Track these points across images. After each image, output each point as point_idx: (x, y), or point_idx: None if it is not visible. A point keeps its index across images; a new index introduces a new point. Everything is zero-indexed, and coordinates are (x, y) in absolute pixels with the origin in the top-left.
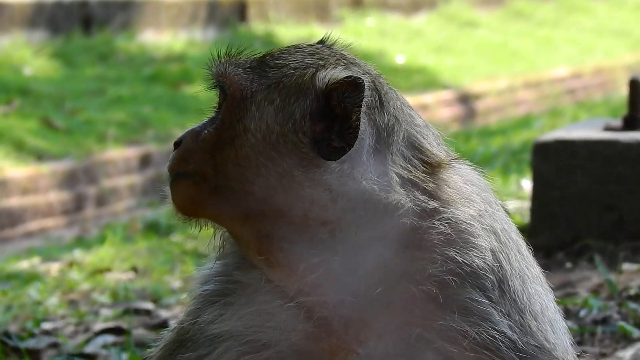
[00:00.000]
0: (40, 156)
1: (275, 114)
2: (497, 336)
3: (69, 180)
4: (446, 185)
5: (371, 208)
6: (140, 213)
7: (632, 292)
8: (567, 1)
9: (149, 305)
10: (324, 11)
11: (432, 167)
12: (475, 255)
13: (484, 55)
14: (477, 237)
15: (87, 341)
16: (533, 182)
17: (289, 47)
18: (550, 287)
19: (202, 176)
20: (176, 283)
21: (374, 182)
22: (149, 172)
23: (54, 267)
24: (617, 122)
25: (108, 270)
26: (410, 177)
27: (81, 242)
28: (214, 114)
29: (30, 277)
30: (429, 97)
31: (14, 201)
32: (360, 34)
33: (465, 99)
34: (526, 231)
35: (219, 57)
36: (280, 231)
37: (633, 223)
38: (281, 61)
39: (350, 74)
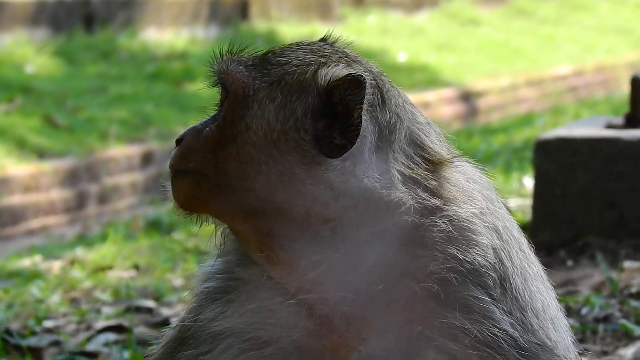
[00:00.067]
0: (42, 154)
1: (276, 111)
2: (498, 334)
3: (71, 178)
4: (448, 182)
5: (373, 206)
6: (142, 211)
7: (634, 289)
8: None
9: (150, 303)
10: (326, 9)
11: (434, 165)
12: (476, 253)
13: (486, 53)
14: (479, 234)
15: (89, 339)
16: (535, 179)
17: (291, 44)
18: (552, 284)
19: (202, 174)
20: (178, 281)
21: (376, 179)
22: (150, 170)
23: (56, 265)
24: (619, 119)
25: (110, 268)
26: (412, 174)
27: (83, 240)
28: (215, 112)
29: (32, 275)
30: (430, 95)
31: (16, 199)
32: (362, 32)
33: (467, 97)
34: (528, 229)
35: (221, 54)
36: (282, 228)
37: (634, 221)
38: (283, 59)
39: (352, 71)
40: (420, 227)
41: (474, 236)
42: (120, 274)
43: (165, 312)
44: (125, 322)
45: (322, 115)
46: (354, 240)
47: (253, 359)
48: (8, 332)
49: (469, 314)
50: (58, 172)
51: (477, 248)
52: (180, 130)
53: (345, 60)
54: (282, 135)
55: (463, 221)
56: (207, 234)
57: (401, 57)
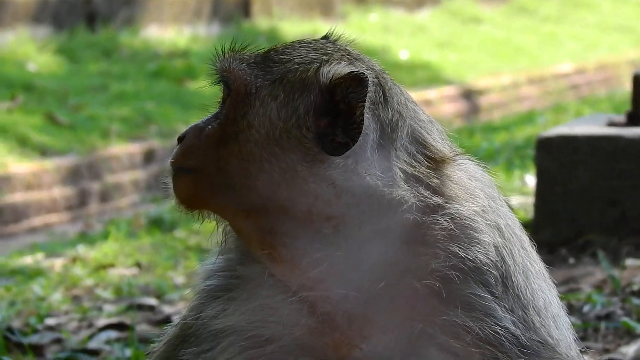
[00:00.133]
0: (44, 152)
1: (279, 109)
2: (500, 332)
3: (73, 175)
4: (450, 180)
5: (375, 203)
6: (144, 209)
7: (636, 287)
8: None
9: (152, 301)
10: (328, 7)
11: (436, 163)
12: (478, 251)
13: (488, 51)
14: (481, 232)
15: (91, 337)
16: (536, 177)
17: (293, 42)
18: (554, 282)
19: (204, 172)
20: (180, 279)
21: (378, 177)
22: (152, 168)
23: (58, 263)
24: (621, 117)
25: (112, 265)
26: (414, 172)
27: (85, 237)
28: (217, 110)
29: (33, 273)
30: (432, 93)
31: (17, 197)
32: (364, 30)
33: (469, 95)
34: (530, 227)
35: (223, 52)
36: (284, 226)
37: (636, 219)
38: (285, 56)
39: (354, 69)
40: (422, 225)
41: (475, 234)
42: (122, 272)
43: (167, 309)
44: (127, 319)
45: (325, 113)
46: (356, 238)
47: (255, 356)
48: (10, 329)
49: (470, 311)
50: (60, 170)
51: (479, 246)
52: (182, 128)
53: (348, 58)
54: (284, 133)
55: (465, 219)
56: (208, 232)
57: (403, 55)
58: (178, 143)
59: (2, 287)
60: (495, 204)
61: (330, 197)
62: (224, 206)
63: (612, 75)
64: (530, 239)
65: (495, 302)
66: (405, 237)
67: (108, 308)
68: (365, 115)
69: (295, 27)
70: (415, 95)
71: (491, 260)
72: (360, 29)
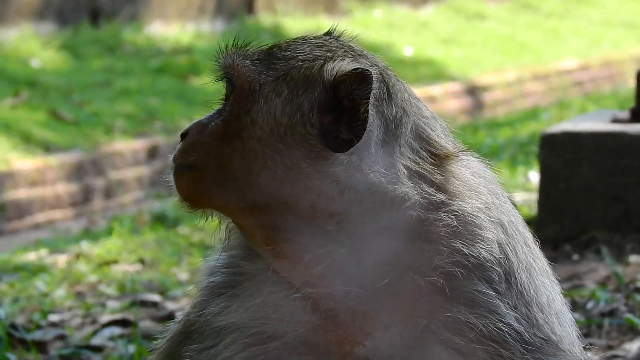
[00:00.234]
0: (47, 148)
1: (283, 106)
2: (503, 328)
3: (77, 172)
4: (454, 177)
5: (378, 200)
6: (148, 205)
7: (639, 284)
8: None
9: (155, 298)
10: (332, 3)
11: (440, 159)
12: (481, 248)
13: (492, 47)
14: (484, 229)
15: (94, 333)
16: (540, 174)
17: (296, 38)
18: (557, 279)
19: (205, 169)
20: (183, 275)
21: (382, 174)
22: (156, 164)
23: (61, 259)
24: (625, 114)
25: (115, 262)
26: (417, 169)
27: (88, 234)
28: (221, 106)
29: (37, 269)
30: (436, 89)
31: (21, 193)
32: (367, 26)
33: (473, 91)
34: (533, 223)
35: (226, 49)
36: (287, 222)
37: None
38: (289, 53)
39: (358, 66)
40: (425, 222)
41: (479, 231)
42: (125, 268)
43: (171, 306)
44: (130, 316)
45: (329, 109)
46: (360, 234)
47: (258, 353)
48: (13, 326)
49: (474, 308)
50: (64, 166)
51: (483, 242)
52: (186, 125)
53: (352, 55)
54: (288, 130)
55: (468, 216)
56: (212, 228)
57: (407, 52)
58: (181, 139)
59: (5, 283)
60: (498, 200)
61: (334, 194)
62: (226, 203)
63: (616, 71)
64: (533, 235)
65: (498, 298)
66: (409, 233)
67: (111, 304)
68: (370, 111)
69: (299, 24)
70: (419, 91)
71: (494, 257)
72: (364, 26)
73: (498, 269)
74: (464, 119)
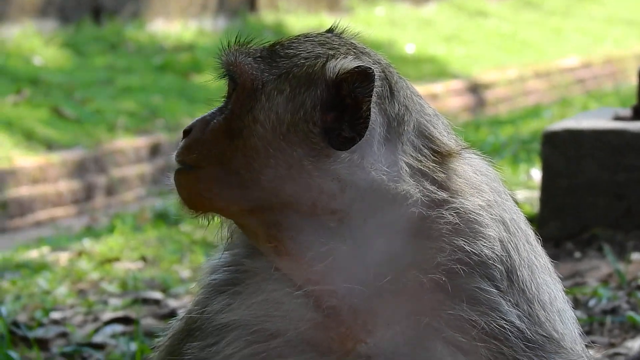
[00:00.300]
0: (50, 146)
1: (285, 103)
2: (505, 326)
3: (79, 169)
4: (456, 175)
5: (380, 198)
6: (150, 202)
7: None
8: None
9: (157, 295)
10: (334, 0)
11: (442, 157)
12: (483, 245)
13: (494, 44)
14: (486, 227)
15: (96, 331)
16: (542, 171)
17: (298, 36)
18: (559, 277)
19: (207, 168)
20: (185, 272)
21: (384, 172)
22: (158, 162)
23: (63, 257)
24: (627, 111)
25: (117, 259)
26: (420, 166)
27: (90, 231)
28: (223, 104)
29: (39, 267)
30: (438, 87)
31: (23, 190)
32: (370, 24)
33: (475, 89)
34: (535, 221)
35: (229, 46)
36: (289, 220)
37: None
38: (291, 51)
39: (360, 63)
40: (427, 219)
41: (481, 228)
42: (127, 266)
43: (173, 303)
44: (132, 313)
45: (331, 107)
46: (362, 232)
47: (259, 351)
48: (15, 323)
49: (476, 305)
50: (66, 163)
51: (484, 240)
52: (188, 122)
53: (354, 52)
54: (290, 128)
55: (470, 213)
56: (214, 226)
57: (409, 49)
58: (183, 136)
59: (7, 281)
60: (500, 198)
61: (336, 192)
62: (227, 204)
63: (618, 69)
64: (535, 233)
65: (500, 296)
66: (411, 231)
67: (113, 302)
68: (372, 109)
69: (301, 21)
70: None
71: (496, 255)
72: (366, 23)
73: (500, 267)
74: (466, 117)
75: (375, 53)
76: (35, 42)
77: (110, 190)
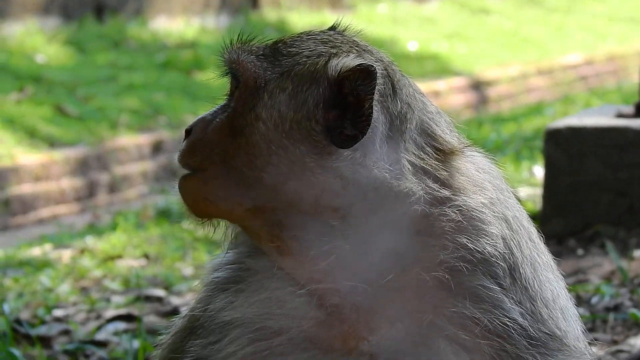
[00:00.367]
0: (52, 143)
1: (288, 101)
2: (508, 323)
3: (81, 167)
4: (458, 173)
5: (382, 195)
6: (152, 200)
7: None
8: None
9: (160, 292)
10: None
11: (445, 154)
12: (486, 243)
13: (497, 42)
14: (488, 224)
15: (99, 328)
16: (545, 169)
17: (301, 34)
18: (562, 274)
19: (211, 170)
20: (187, 270)
21: (386, 170)
22: (161, 159)
23: (66, 254)
24: (629, 109)
25: (120, 257)
26: (422, 164)
27: (93, 229)
28: (225, 102)
29: (42, 264)
30: (441, 84)
31: (26, 188)
32: (372, 21)
33: (478, 86)
34: (538, 218)
35: (231, 44)
36: (291, 219)
37: None
38: (294, 49)
39: (362, 61)
40: (430, 217)
41: (483, 226)
42: (130, 263)
43: (175, 301)
44: (135, 311)
45: (333, 105)
46: (364, 230)
47: (262, 348)
48: (18, 321)
49: (479, 303)
50: (68, 161)
51: (487, 238)
52: (191, 119)
53: (356, 50)
54: (293, 126)
55: (473, 211)
56: (219, 228)
57: (411, 46)
58: (185, 136)
59: (10, 278)
60: (503, 196)
61: (338, 189)
62: (231, 206)
63: (621, 66)
64: (538, 230)
65: (503, 293)
66: (413, 229)
67: (116, 299)
68: (374, 107)
69: (304, 19)
70: (424, 86)
71: (499, 252)
72: (369, 20)
73: (503, 264)
74: (468, 114)
75: (377, 51)
76: (38, 39)
77: (113, 188)
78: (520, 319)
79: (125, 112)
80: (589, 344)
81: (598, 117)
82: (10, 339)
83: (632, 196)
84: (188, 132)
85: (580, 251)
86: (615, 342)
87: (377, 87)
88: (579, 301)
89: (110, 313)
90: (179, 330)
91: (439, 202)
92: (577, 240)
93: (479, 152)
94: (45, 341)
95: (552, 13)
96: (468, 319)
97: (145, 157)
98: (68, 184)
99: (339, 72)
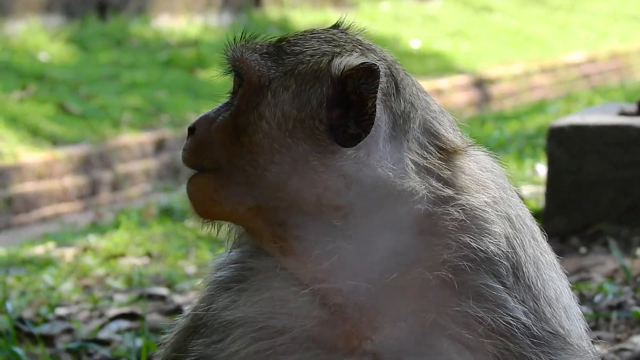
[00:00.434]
0: (55, 141)
1: (291, 100)
2: (512, 322)
3: (84, 165)
4: (461, 172)
5: (385, 195)
6: (155, 198)
7: None
8: None
9: (163, 291)
10: None
11: (448, 154)
12: (489, 242)
13: (499, 40)
14: (492, 223)
15: (101, 327)
16: (548, 167)
17: (304, 32)
18: (565, 272)
19: (215, 168)
20: (190, 268)
21: (389, 169)
22: (163, 157)
23: (69, 253)
24: (632, 107)
25: (122, 255)
26: (425, 164)
27: (96, 227)
28: (228, 100)
29: (44, 263)
30: (444, 82)
31: (29, 186)
32: (374, 19)
33: (481, 84)
34: (541, 216)
35: (235, 42)
36: (294, 219)
37: None
38: (297, 48)
39: (365, 60)
40: (433, 216)
41: (486, 225)
42: (132, 262)
43: (178, 299)
44: (137, 309)
45: (337, 104)
46: (367, 229)
47: (265, 348)
48: (21, 319)
49: (482, 302)
50: (71, 159)
51: (490, 236)
52: (193, 118)
53: (359, 49)
54: (296, 124)
55: (476, 210)
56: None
57: (414, 44)
58: (188, 134)
59: (13, 277)
60: (506, 194)
61: (341, 188)
62: (235, 205)
63: (623, 64)
64: (541, 228)
65: (506, 292)
66: (416, 228)
67: (119, 298)
68: (377, 106)
69: (306, 17)
70: (427, 84)
71: (502, 251)
72: (371, 19)
73: (506, 263)
74: (471, 112)
75: (381, 50)
76: (41, 38)
77: (116, 186)
78: (523, 318)
79: (127, 110)
80: (592, 342)
81: (601, 115)
82: (13, 338)
83: (635, 194)
84: (191, 130)
85: (583, 249)
86: (618, 341)
87: (380, 86)
88: (582, 299)
89: (113, 311)
90: (182, 329)
91: (442, 201)
92: (580, 239)
93: (482, 151)
94: (48, 340)
95: (555, 11)
96: (471, 318)
97: (147, 155)
98: (71, 182)
99: (342, 70)
